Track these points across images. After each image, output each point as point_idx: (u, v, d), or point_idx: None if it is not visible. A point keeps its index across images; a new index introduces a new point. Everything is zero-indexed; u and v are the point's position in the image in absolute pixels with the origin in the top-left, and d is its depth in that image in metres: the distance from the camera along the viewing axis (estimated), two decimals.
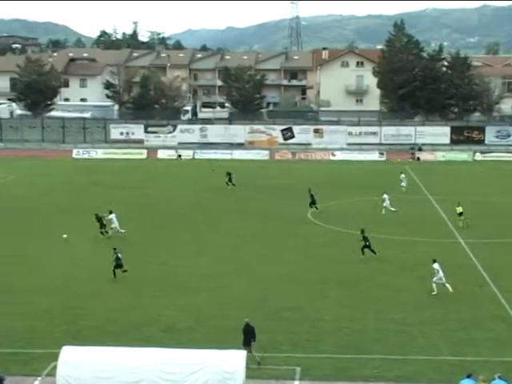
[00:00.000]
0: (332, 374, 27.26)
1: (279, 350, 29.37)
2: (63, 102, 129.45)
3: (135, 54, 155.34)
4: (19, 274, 39.75)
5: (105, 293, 36.63)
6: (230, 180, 67.11)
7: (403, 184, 65.44)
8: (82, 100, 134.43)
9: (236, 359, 23.64)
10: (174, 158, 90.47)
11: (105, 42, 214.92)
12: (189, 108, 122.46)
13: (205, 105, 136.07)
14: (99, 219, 47.91)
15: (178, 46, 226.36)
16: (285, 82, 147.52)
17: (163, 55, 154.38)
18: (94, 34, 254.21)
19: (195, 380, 23.18)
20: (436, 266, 36.26)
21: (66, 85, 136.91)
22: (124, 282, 38.35)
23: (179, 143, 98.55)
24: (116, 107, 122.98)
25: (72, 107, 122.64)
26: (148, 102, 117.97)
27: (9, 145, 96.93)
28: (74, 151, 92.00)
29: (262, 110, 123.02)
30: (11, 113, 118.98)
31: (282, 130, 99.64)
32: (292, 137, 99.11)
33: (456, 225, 51.03)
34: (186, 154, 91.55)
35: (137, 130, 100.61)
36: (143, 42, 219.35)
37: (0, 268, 40.97)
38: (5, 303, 34.86)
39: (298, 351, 29.22)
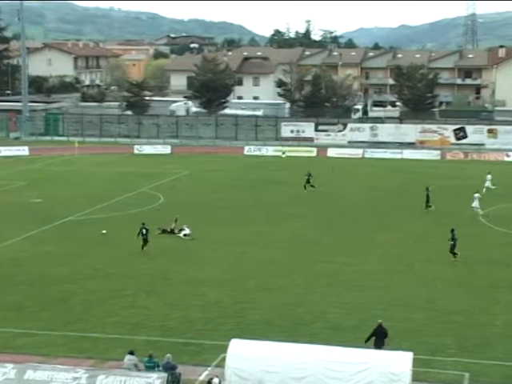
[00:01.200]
0: (502, 382, 26.38)
1: (447, 353, 28.74)
2: (236, 100, 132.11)
3: (307, 53, 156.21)
4: (196, 266, 41.07)
5: (273, 287, 37.16)
6: (308, 181, 64.41)
7: None
8: (255, 98, 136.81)
9: (402, 361, 23.35)
10: (346, 156, 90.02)
11: (278, 40, 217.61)
12: (359, 107, 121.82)
13: (376, 103, 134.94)
14: None
15: (350, 45, 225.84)
16: (458, 81, 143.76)
17: (335, 54, 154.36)
18: (268, 33, 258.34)
19: (360, 379, 23.09)
20: None
21: (240, 83, 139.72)
22: (291, 278, 38.75)
23: (349, 142, 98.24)
24: (287, 105, 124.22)
25: (245, 105, 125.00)
26: (319, 100, 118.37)
27: (184, 141, 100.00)
28: (246, 148, 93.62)
29: (434, 110, 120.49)
30: (187, 110, 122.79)
31: (455, 130, 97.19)
32: (465, 137, 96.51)
33: None
34: (356, 152, 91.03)
35: (307, 128, 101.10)
36: (315, 41, 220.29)
37: (182, 259, 42.44)
38: (182, 294, 36.08)
39: (467, 356, 28.49)
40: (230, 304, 34.64)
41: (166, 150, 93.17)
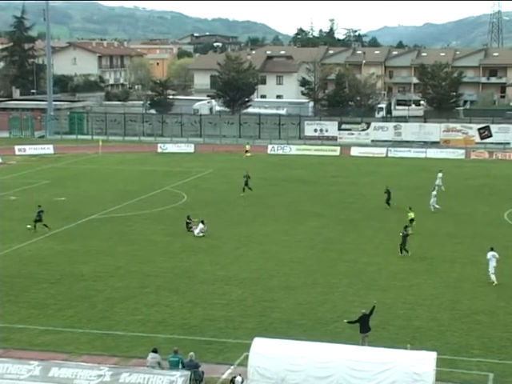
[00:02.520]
0: None
1: (471, 354, 28.57)
2: (260, 99, 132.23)
3: (331, 52, 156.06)
4: (218, 265, 41.18)
5: (295, 286, 37.15)
6: (246, 183, 62.12)
7: None
8: (278, 97, 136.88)
9: (426, 361, 23.23)
10: (369, 155, 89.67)
11: (302, 39, 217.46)
12: (383, 105, 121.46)
13: (399, 102, 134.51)
14: None
15: (374, 43, 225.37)
16: (483, 80, 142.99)
17: (359, 52, 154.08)
18: (292, 32, 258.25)
19: (383, 379, 23.01)
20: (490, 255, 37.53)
21: (263, 82, 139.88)
22: (313, 277, 38.71)
23: (373, 141, 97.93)
24: (311, 104, 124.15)
25: (268, 104, 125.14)
26: (342, 99, 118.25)
27: (208, 140, 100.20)
28: (269, 147, 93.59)
29: (459, 108, 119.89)
30: (210, 109, 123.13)
31: (479, 129, 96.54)
32: (489, 136, 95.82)
33: None
34: (379, 151, 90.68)
35: (330, 127, 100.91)
36: (339, 40, 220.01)
37: (204, 258, 42.58)
38: (205, 292, 36.19)
39: (491, 357, 28.30)
40: (253, 303, 34.66)
41: (190, 148, 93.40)
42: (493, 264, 37.59)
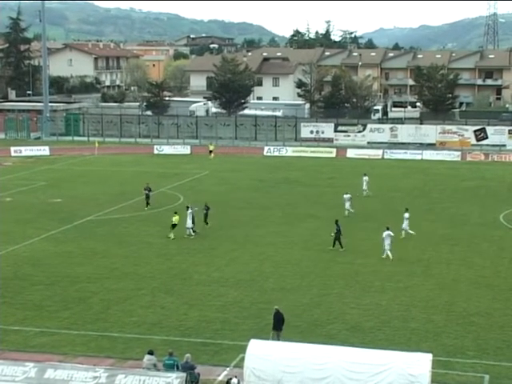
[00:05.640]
0: None
1: (466, 355, 28.62)
2: (256, 101, 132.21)
3: (327, 53, 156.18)
4: (214, 266, 41.26)
5: (291, 288, 37.17)
6: (147, 197, 56.98)
7: None
8: (275, 99, 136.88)
9: (421, 362, 23.27)
10: (365, 157, 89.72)
11: (298, 41, 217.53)
12: (379, 107, 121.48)
13: (395, 104, 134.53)
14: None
15: (370, 45, 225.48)
16: (479, 82, 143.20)
17: (355, 54, 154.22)
18: (288, 34, 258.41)
19: (379, 381, 23.05)
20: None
21: (260, 84, 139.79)
22: (309, 279, 38.74)
23: (369, 142, 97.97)
24: (307, 106, 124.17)
25: (264, 105, 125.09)
26: (338, 101, 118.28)
27: (204, 141, 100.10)
28: (266, 148, 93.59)
29: (455, 110, 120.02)
30: (207, 111, 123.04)
31: (475, 131, 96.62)
32: (485, 138, 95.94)
33: None
34: (375, 153, 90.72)
35: (327, 129, 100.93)
36: (335, 41, 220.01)
37: (200, 259, 42.62)
38: (201, 294, 36.24)
39: (487, 358, 28.35)
40: (249, 304, 34.68)
41: (186, 150, 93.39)
42: (388, 242, 42.39)
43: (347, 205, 54.84)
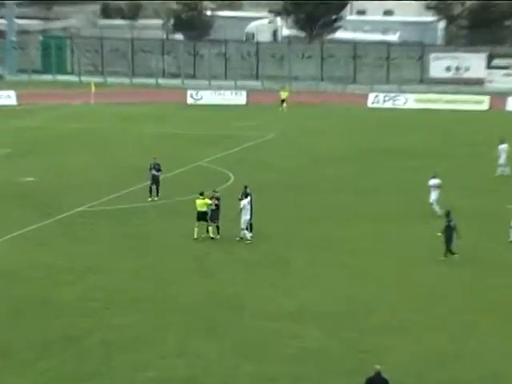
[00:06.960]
0: None
1: None
2: (356, 17, 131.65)
3: None
4: (281, 288, 41.08)
5: (409, 326, 36.60)
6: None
7: None
8: (386, 13, 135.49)
9: None
10: None
11: None
12: None
13: None
14: None
15: None
16: None
17: None
18: None
19: None
20: None
21: None
22: (439, 312, 38.01)
23: None
24: (441, 25, 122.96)
25: (370, 25, 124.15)
26: (494, 17, 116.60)
27: (268, 84, 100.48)
28: (371, 96, 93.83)
29: None
30: (274, 33, 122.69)
31: None
32: None
33: None
34: None
35: (474, 64, 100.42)
36: None
37: (259, 276, 42.56)
38: (257, 334, 36.04)
39: None
40: (341, 353, 34.17)
41: (240, 98, 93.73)
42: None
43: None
